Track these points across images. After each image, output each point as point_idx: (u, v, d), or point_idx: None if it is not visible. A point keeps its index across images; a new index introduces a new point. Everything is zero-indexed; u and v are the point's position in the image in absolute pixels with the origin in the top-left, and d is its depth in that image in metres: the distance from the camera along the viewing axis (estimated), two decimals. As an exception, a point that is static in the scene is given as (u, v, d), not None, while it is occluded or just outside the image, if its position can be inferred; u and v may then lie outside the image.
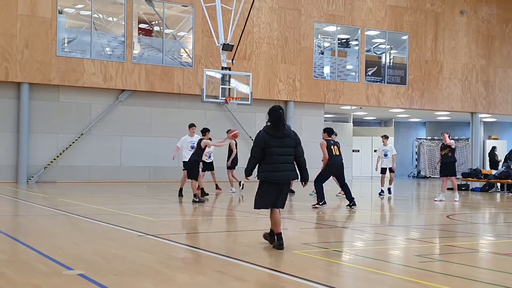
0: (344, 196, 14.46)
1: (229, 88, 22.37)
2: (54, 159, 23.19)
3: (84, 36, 24.01)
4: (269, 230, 7.91)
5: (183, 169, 16.36)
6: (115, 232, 9.34)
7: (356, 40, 29.65)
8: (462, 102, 31.77)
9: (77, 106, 23.76)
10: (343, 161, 14.27)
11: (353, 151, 32.19)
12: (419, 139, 37.67)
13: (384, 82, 29.87)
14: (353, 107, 30.74)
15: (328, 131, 14.23)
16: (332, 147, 13.92)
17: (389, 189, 18.25)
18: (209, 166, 18.01)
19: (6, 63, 22.23)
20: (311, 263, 6.91)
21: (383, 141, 18.65)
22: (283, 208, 7.97)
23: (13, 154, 22.59)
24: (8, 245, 8.03)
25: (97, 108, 24.06)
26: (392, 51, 31.21)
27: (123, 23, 24.45)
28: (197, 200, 14.50)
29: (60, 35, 23.39)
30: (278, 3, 27.25)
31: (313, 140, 28.15)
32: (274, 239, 7.73)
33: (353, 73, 29.67)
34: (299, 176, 7.97)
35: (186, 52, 26.13)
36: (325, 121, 29.59)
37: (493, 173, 22.49)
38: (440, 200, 16.51)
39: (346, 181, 14.31)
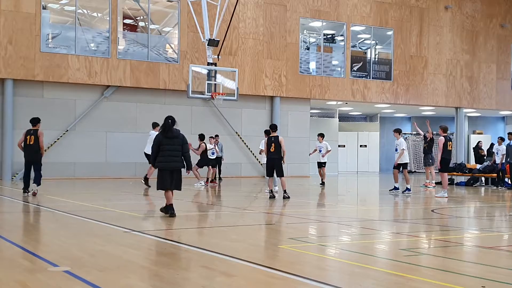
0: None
1: (215, 84, 22.35)
2: (39, 155, 22.99)
3: (69, 32, 23.84)
4: (165, 205, 10.56)
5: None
6: (100, 228, 9.31)
7: (341, 35, 29.71)
8: (446, 97, 31.98)
9: (62, 102, 23.60)
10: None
11: (338, 146, 32.30)
12: (404, 134, 37.83)
13: (370, 78, 29.97)
14: (339, 103, 30.82)
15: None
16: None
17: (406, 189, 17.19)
18: (213, 162, 20.13)
19: (-11, 59, 22.02)
20: (297, 257, 6.92)
21: (395, 136, 17.50)
22: (179, 189, 10.64)
23: (-3, 150, 22.41)
24: (-8, 242, 7.96)
25: (82, 104, 23.91)
26: (377, 47, 31.32)
27: (108, 18, 24.29)
28: (287, 196, 14.55)
29: (44, 30, 23.19)
30: (264, -2, 27.21)
31: (299, 135, 28.29)
32: (168, 210, 10.43)
33: (339, 69, 29.73)
34: (185, 166, 10.64)
35: (172, 48, 26.03)
36: (311, 116, 29.68)
37: (478, 167, 22.66)
38: (441, 197, 15.85)
39: None
